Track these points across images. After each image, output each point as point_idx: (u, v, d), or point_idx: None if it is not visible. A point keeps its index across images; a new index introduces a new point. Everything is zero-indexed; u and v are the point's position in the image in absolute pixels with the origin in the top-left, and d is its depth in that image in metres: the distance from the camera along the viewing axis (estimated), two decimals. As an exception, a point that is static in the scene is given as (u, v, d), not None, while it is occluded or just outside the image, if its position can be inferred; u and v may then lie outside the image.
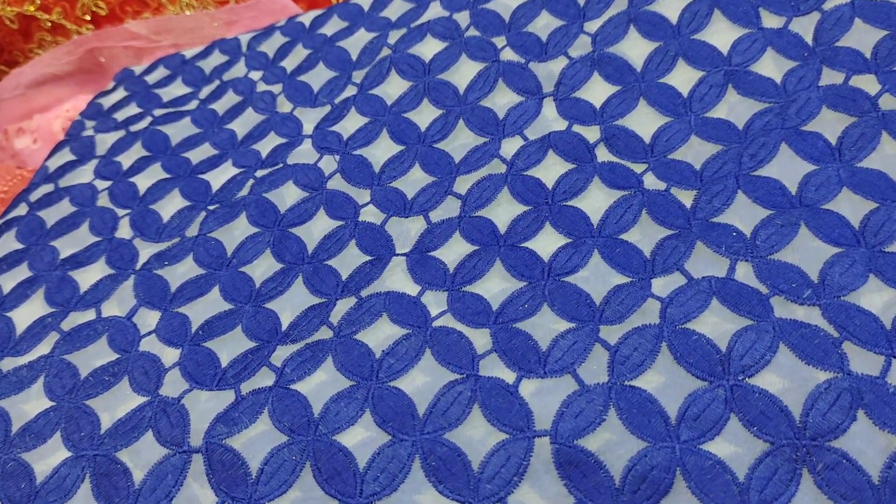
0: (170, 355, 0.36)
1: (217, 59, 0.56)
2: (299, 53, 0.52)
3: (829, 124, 0.36)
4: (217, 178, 0.45)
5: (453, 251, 0.37)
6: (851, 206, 0.33)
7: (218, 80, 0.54)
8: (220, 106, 0.51)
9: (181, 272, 0.41)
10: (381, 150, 0.43)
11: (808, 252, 0.32)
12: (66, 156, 0.52)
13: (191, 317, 0.38)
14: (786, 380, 0.29)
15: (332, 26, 0.52)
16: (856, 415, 0.27)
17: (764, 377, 0.29)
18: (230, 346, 0.36)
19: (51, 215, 0.47)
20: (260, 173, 0.44)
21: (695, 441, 0.28)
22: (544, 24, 0.44)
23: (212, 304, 0.38)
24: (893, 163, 0.34)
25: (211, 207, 0.44)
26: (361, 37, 0.50)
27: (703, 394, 0.29)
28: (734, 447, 0.28)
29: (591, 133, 0.39)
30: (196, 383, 0.35)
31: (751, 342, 0.30)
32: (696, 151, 0.37)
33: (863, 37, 0.38)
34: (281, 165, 0.44)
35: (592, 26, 0.43)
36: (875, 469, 0.26)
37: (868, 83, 0.36)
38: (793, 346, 0.29)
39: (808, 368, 0.29)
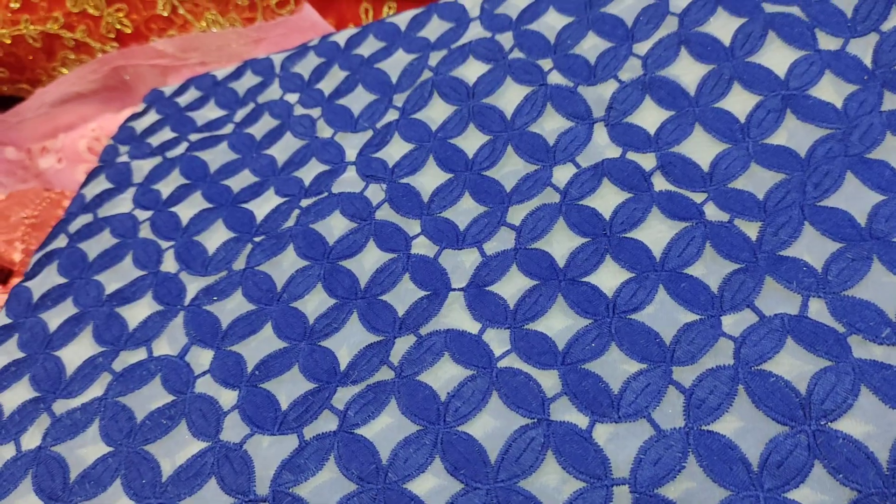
0: (227, 397, 0.36)
1: (250, 80, 0.55)
2: (336, 75, 0.51)
3: (895, 151, 0.35)
4: (261, 207, 0.45)
5: (512, 285, 0.36)
6: (925, 239, 0.32)
7: (253, 102, 0.53)
8: (257, 130, 0.50)
9: (231, 308, 0.40)
10: (429, 178, 0.42)
11: (882, 288, 0.31)
12: (102, 183, 0.51)
13: (245, 356, 0.37)
14: (870, 424, 0.28)
15: (369, 47, 0.51)
16: (946, 461, 0.27)
17: (847, 422, 0.28)
18: (288, 388, 0.35)
19: (92, 247, 0.46)
20: (305, 203, 0.44)
21: (779, 489, 0.28)
22: (591, 46, 0.44)
23: (265, 341, 0.38)
24: (965, 192, 0.33)
25: (257, 239, 0.43)
26: (400, 58, 0.49)
27: (784, 439, 0.28)
28: (820, 496, 0.27)
29: (647, 160, 0.39)
30: (257, 427, 0.34)
31: (831, 384, 0.29)
32: (757, 180, 0.36)
33: (925, 59, 0.37)
34: (326, 194, 0.43)
35: (642, 48, 0.42)
36: (969, 519, 0.26)
37: (934, 108, 0.36)
38: (875, 389, 0.29)
39: (892, 412, 0.28)
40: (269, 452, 0.33)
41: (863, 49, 0.38)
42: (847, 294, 0.31)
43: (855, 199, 0.34)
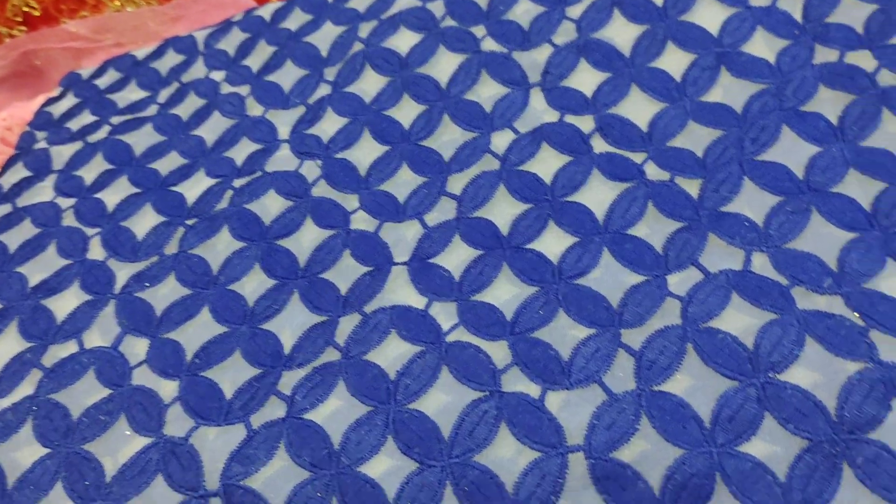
0: (167, 388, 0.34)
1: (172, 59, 0.53)
2: (263, 51, 0.49)
3: (828, 103, 0.35)
4: (191, 189, 0.43)
5: (455, 257, 0.36)
6: (861, 188, 0.33)
7: (176, 82, 0.51)
8: (183, 110, 0.48)
9: (164, 294, 0.38)
10: (365, 152, 0.41)
11: (822, 239, 0.32)
12: (20, 171, 0.48)
13: (183, 343, 0.36)
14: (816, 373, 0.28)
15: (296, 20, 0.50)
16: (891, 404, 0.27)
17: (794, 372, 0.29)
18: (231, 375, 0.34)
19: (12, 238, 0.44)
20: (238, 183, 0.42)
21: (732, 443, 0.28)
22: (524, 11, 0.43)
23: (203, 326, 0.36)
24: (898, 140, 0.34)
25: (189, 222, 0.41)
26: (329, 31, 0.47)
27: (734, 394, 0.29)
28: (772, 446, 0.27)
29: (585, 123, 0.38)
30: (201, 419, 0.33)
31: (777, 337, 0.29)
32: (695, 137, 0.36)
33: (853, 12, 0.37)
34: (259, 174, 0.42)
35: (575, 11, 0.42)
36: (916, 459, 0.26)
37: (863, 59, 0.36)
38: (820, 339, 0.29)
39: (837, 360, 0.28)
40: (216, 444, 0.32)
41: (792, 4, 0.38)
42: (788, 247, 0.32)
43: (791, 152, 0.34)
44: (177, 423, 0.33)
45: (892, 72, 0.35)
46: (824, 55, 0.37)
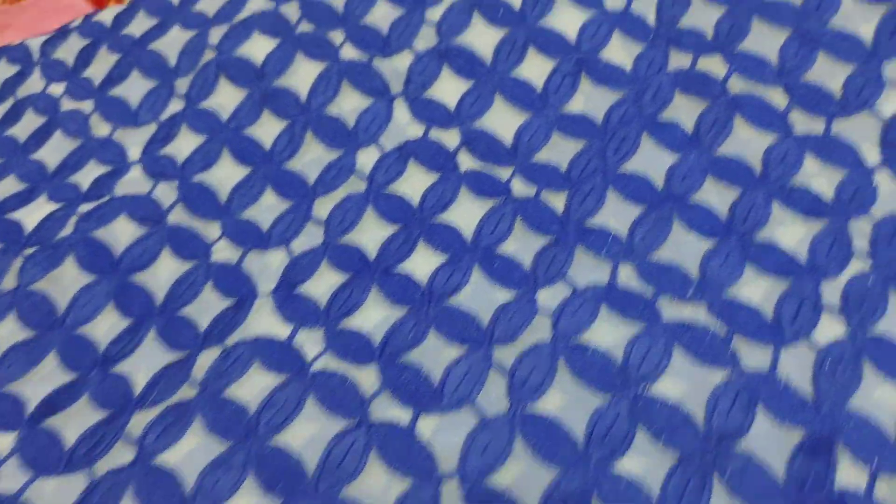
0: (2, 442, 0.31)
1: (4, 70, 0.48)
2: (105, 59, 0.45)
3: (684, 110, 0.36)
4: (31, 215, 0.39)
5: (323, 283, 0.34)
6: (718, 195, 0.33)
7: (11, 97, 0.47)
8: (21, 130, 0.44)
9: (2, 335, 0.35)
10: (225, 174, 0.39)
11: (684, 247, 0.32)
12: None
13: (25, 393, 0.33)
14: (684, 384, 0.28)
15: (140, 24, 0.46)
16: (755, 412, 0.28)
17: (663, 384, 0.29)
18: (75, 422, 0.31)
19: None
20: (84, 208, 0.39)
21: (606, 460, 0.27)
22: (382, 14, 0.41)
23: (48, 376, 0.33)
24: (749, 147, 0.34)
25: (27, 251, 0.38)
26: (177, 36, 0.44)
27: (606, 409, 0.28)
28: (645, 461, 0.27)
29: (451, 137, 0.37)
30: (39, 471, 0.30)
31: (645, 349, 0.29)
32: (559, 149, 0.36)
33: (702, 15, 0.38)
34: (108, 198, 0.39)
35: (435, 14, 0.41)
36: (781, 465, 0.27)
37: (715, 65, 0.37)
38: (686, 348, 0.29)
39: (703, 370, 0.29)
40: (54, 498, 0.29)
41: (647, 7, 0.39)
42: (653, 257, 0.32)
43: (652, 161, 0.35)
44: (11, 478, 0.30)
45: (741, 76, 0.36)
46: (678, 60, 0.37)
